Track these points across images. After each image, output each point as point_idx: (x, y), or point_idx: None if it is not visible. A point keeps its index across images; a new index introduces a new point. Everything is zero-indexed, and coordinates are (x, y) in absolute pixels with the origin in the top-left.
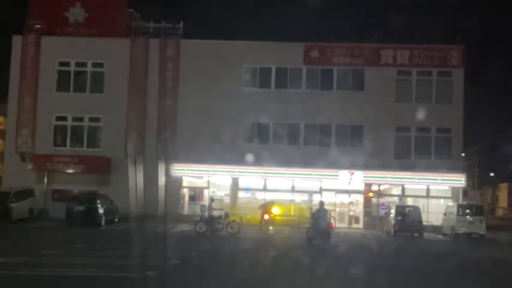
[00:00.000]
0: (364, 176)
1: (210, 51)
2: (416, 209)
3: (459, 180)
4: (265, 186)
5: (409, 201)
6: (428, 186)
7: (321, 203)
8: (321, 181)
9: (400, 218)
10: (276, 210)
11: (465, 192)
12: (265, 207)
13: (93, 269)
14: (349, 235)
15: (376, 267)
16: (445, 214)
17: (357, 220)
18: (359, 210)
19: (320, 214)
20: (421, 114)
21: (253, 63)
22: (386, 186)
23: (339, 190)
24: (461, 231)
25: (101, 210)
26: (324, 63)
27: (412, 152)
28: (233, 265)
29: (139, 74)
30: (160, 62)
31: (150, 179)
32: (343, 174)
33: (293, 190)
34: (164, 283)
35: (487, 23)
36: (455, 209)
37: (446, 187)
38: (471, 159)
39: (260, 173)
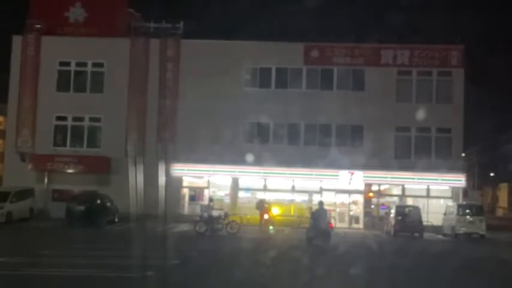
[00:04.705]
0: (364, 176)
1: (210, 51)
2: (416, 209)
3: (459, 180)
4: (265, 186)
5: (409, 201)
6: (428, 186)
7: (321, 203)
8: (321, 181)
9: (400, 218)
10: (275, 210)
11: (465, 192)
12: (260, 206)
13: (93, 269)
14: (349, 235)
15: (376, 268)
16: (445, 214)
17: (357, 220)
18: (359, 210)
19: (320, 214)
20: (421, 114)
21: (253, 63)
22: (387, 186)
23: (339, 190)
24: (461, 231)
25: (101, 210)
26: (324, 63)
27: (412, 152)
28: (233, 265)
29: (139, 74)
30: (160, 62)
31: (150, 179)
32: (343, 174)
33: (293, 190)
34: (164, 283)
35: (487, 23)
36: (455, 209)
37: (446, 187)
38: (471, 159)
39: (260, 173)
